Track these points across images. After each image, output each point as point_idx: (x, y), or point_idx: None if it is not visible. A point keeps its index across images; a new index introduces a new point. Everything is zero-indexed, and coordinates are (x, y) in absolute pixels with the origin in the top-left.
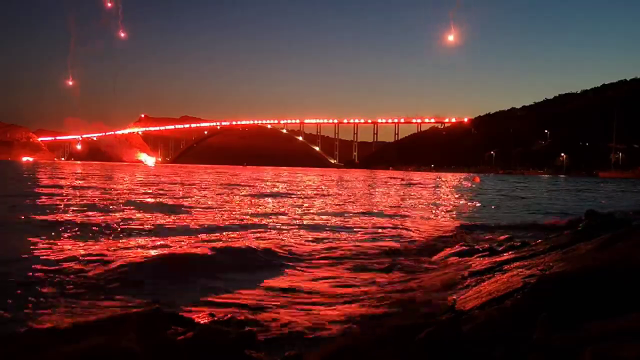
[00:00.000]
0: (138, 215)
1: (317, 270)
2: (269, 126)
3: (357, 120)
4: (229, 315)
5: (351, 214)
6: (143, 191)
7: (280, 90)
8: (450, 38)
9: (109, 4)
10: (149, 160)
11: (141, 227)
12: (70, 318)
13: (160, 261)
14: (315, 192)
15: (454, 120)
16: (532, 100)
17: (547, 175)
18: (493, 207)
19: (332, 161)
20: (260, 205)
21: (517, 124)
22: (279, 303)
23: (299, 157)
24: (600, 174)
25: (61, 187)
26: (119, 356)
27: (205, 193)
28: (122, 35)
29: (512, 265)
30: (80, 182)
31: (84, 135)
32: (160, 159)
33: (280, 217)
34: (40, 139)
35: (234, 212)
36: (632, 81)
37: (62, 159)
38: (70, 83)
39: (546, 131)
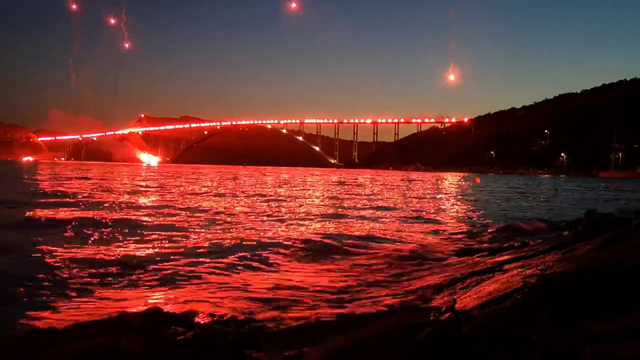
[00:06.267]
0: None
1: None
2: (269, 126)
3: (357, 120)
4: (229, 315)
5: None
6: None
7: (280, 90)
8: (451, 78)
9: (112, 21)
10: (152, 160)
11: None
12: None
13: None
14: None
15: (454, 120)
16: (532, 100)
17: (547, 175)
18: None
19: (332, 161)
20: None
21: (517, 124)
22: None
23: (299, 157)
24: (601, 173)
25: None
26: (119, 356)
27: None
28: (127, 45)
29: (512, 265)
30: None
31: (84, 135)
32: (159, 159)
33: None
34: (40, 139)
35: None
36: (632, 81)
37: (62, 159)
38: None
39: (546, 131)
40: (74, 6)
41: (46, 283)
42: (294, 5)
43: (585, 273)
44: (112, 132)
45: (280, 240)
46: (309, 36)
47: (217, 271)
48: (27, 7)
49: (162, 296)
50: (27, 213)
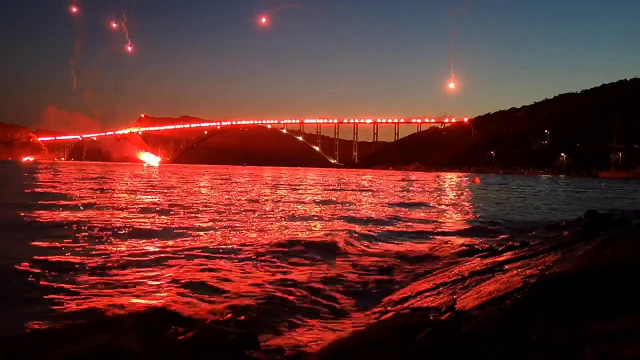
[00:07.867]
0: None
1: None
2: (269, 126)
3: (357, 120)
4: (229, 315)
5: None
6: None
7: (280, 90)
8: (451, 86)
9: (113, 21)
10: (152, 160)
11: None
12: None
13: None
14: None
15: (454, 120)
16: (532, 100)
17: (547, 176)
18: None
19: (332, 161)
20: None
21: (517, 124)
22: None
23: (299, 157)
24: (601, 174)
25: None
26: (119, 356)
27: None
28: (128, 47)
29: (512, 265)
30: None
31: (84, 135)
32: (160, 159)
33: None
34: (40, 139)
35: None
36: (632, 81)
37: (62, 159)
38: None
39: (546, 131)
40: (74, 9)
41: None
42: (264, 20)
43: (585, 273)
44: (112, 132)
45: None
46: (310, 36)
47: None
48: (28, 7)
49: None
50: None
